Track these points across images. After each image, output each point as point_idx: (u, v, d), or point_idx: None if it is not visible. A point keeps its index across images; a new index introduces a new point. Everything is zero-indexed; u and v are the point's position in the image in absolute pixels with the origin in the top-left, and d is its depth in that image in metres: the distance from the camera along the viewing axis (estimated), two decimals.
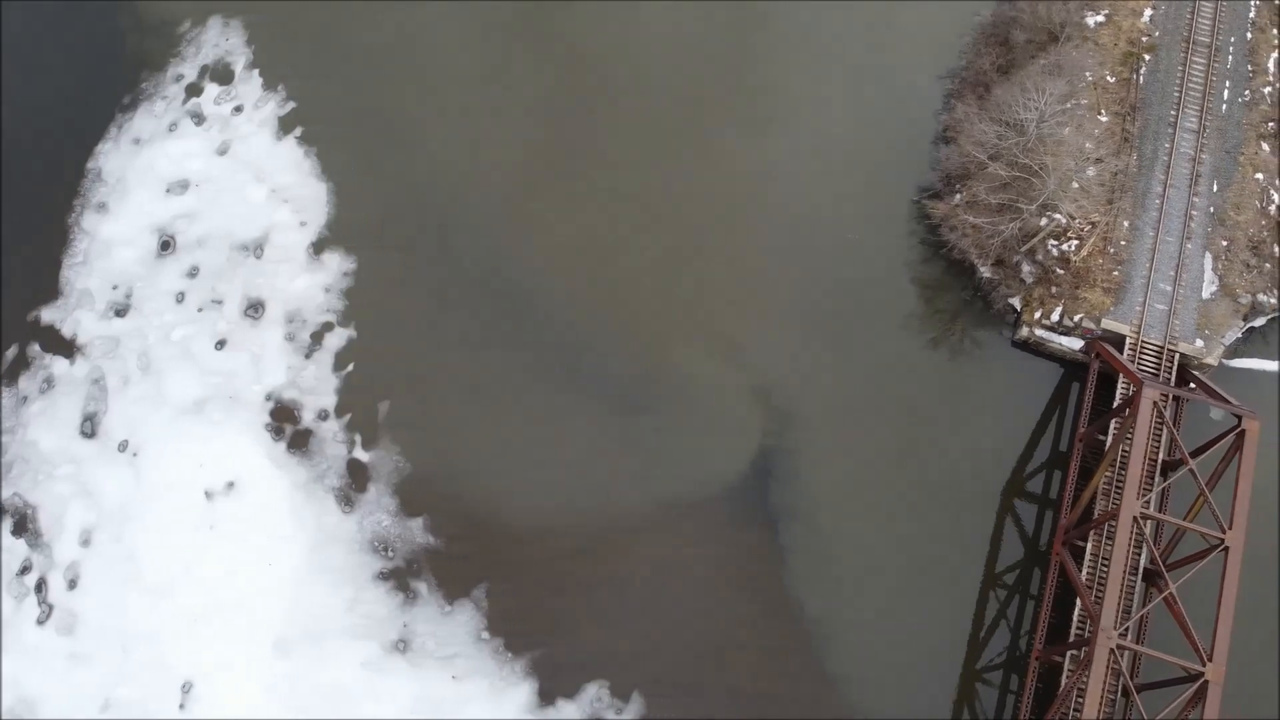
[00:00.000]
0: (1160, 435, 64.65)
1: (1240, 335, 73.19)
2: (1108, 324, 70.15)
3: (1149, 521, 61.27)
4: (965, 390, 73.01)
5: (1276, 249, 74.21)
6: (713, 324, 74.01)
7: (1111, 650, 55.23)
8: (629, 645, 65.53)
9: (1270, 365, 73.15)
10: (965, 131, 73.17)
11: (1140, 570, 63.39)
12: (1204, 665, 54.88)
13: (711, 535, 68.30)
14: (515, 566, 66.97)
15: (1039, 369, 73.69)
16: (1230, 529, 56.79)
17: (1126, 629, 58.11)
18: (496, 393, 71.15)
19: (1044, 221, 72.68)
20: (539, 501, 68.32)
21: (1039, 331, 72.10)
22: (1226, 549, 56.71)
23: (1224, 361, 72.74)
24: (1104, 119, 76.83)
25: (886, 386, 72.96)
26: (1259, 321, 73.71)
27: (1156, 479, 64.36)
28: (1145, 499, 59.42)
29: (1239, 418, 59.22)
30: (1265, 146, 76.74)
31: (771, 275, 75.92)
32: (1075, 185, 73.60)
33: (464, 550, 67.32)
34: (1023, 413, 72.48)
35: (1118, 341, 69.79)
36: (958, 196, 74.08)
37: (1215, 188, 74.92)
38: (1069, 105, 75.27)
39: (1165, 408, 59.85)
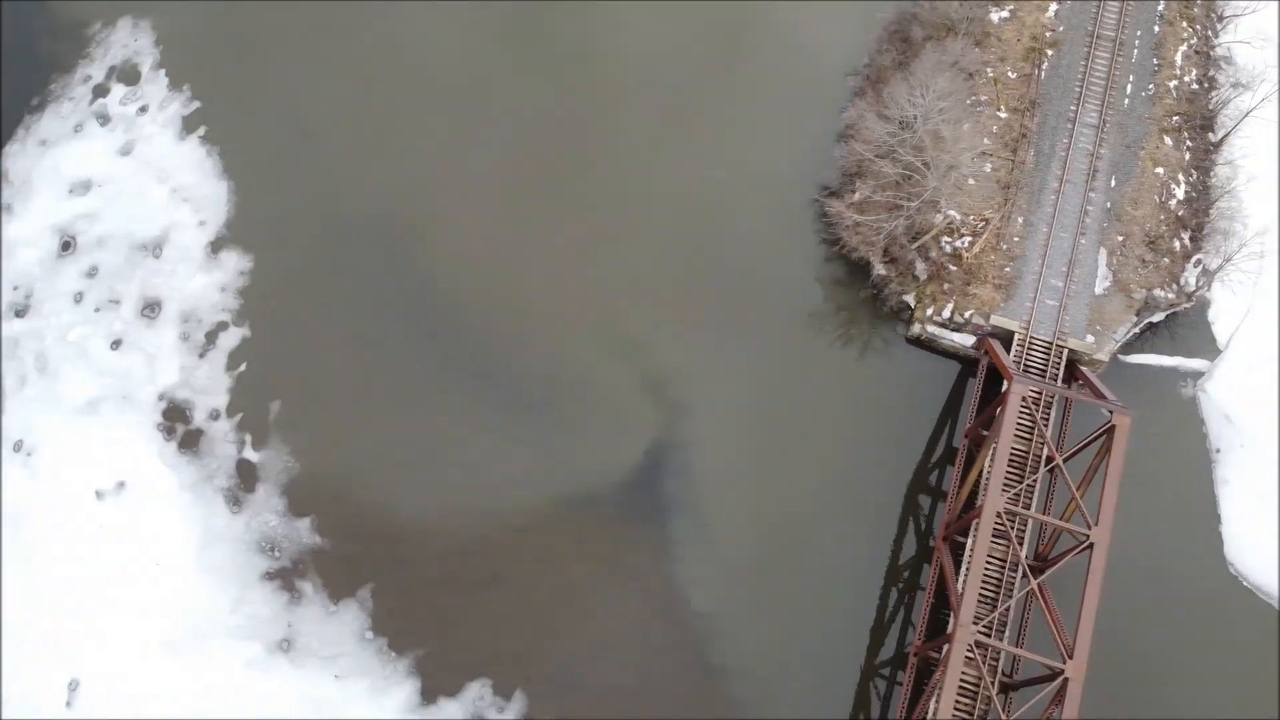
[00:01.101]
0: (1047, 431, 64.26)
1: (1138, 331, 72.90)
2: (997, 320, 69.93)
3: (1029, 517, 61.01)
4: (863, 386, 72.86)
5: (1176, 244, 73.84)
6: (612, 321, 73.93)
7: (972, 646, 54.94)
8: (512, 644, 65.42)
9: (1167, 360, 72.79)
10: (861, 129, 72.92)
11: (1021, 567, 63.00)
12: (1064, 662, 54.50)
13: (599, 531, 68.19)
14: (401, 566, 66.89)
15: (938, 365, 73.41)
16: (1096, 525, 56.46)
17: (989, 625, 57.82)
18: (389, 393, 71.13)
19: (938, 218, 72.47)
20: (427, 501, 68.28)
21: (931, 328, 71.90)
22: (1091, 545, 56.33)
23: (1120, 357, 72.52)
24: (1003, 115, 76.64)
25: (784, 381, 72.81)
26: (1157, 317, 73.32)
27: (1041, 474, 63.93)
28: (1011, 494, 59.07)
29: (1110, 413, 58.97)
30: (1168, 140, 76.44)
31: (674, 272, 75.84)
32: (971, 182, 73.44)
33: (351, 550, 67.29)
34: (919, 409, 72.28)
35: (1007, 338, 69.50)
36: (856, 194, 73.72)
37: (1113, 183, 74.64)
38: (969, 101, 75.30)
39: (1035, 403, 59.55)
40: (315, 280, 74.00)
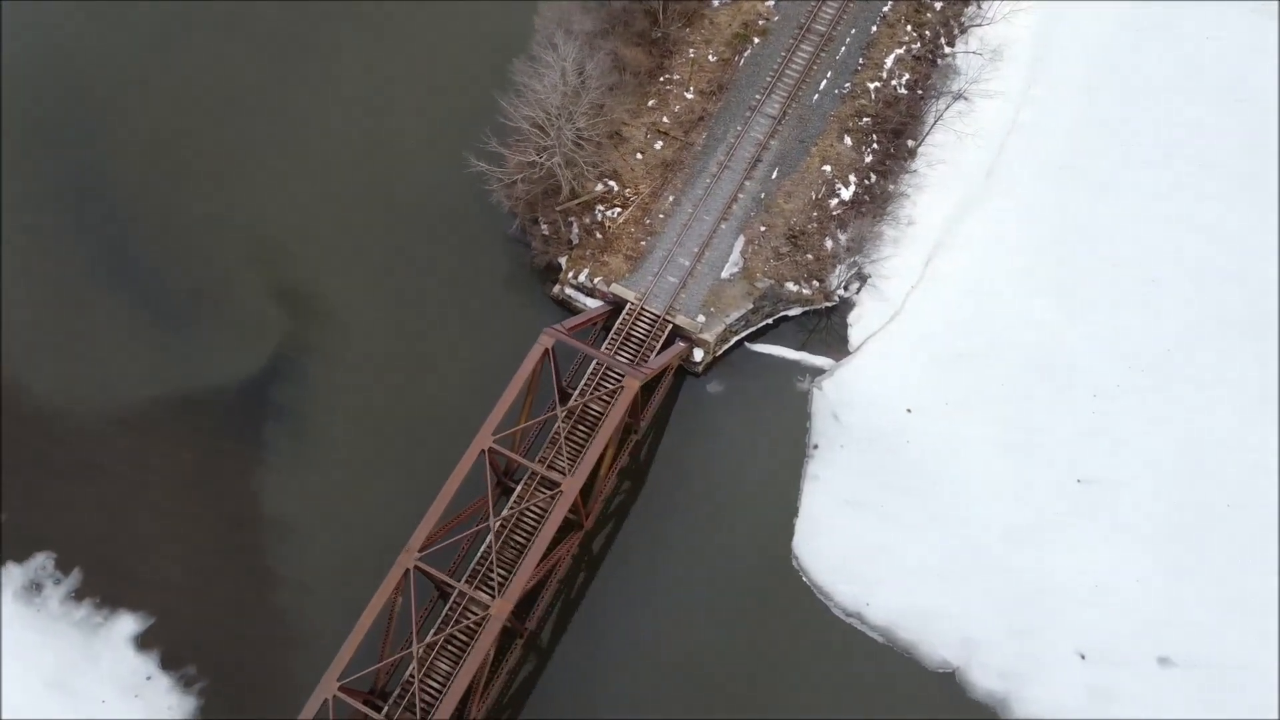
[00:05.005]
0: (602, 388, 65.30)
1: (771, 321, 73.25)
2: (617, 289, 70.90)
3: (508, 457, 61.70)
4: (499, 333, 73.62)
5: (827, 242, 73.79)
6: (268, 229, 76.52)
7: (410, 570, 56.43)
8: (86, 529, 68.50)
9: (791, 354, 72.96)
10: (526, 93, 74.12)
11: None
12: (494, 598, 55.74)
13: (194, 436, 70.90)
14: (5, 441, 70.46)
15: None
16: (570, 475, 57.46)
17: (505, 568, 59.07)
18: (43, 279, 75.01)
19: (598, 187, 73.77)
20: (44, 390, 71.90)
21: (569, 290, 73.15)
22: (561, 493, 57.39)
23: (749, 345, 73.03)
24: (690, 96, 77.31)
25: (425, 311, 74.56)
26: (794, 311, 73.49)
27: (615, 437, 64.77)
28: (500, 436, 60.07)
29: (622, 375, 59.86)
30: (848, 140, 76.26)
31: (345, 193, 77.88)
32: (639, 156, 74.60)
33: None
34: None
35: (623, 306, 70.43)
36: (512, 152, 74.66)
37: (775, 174, 74.79)
38: (662, 79, 76.12)
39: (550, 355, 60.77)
40: (29, 164, 78.10)
